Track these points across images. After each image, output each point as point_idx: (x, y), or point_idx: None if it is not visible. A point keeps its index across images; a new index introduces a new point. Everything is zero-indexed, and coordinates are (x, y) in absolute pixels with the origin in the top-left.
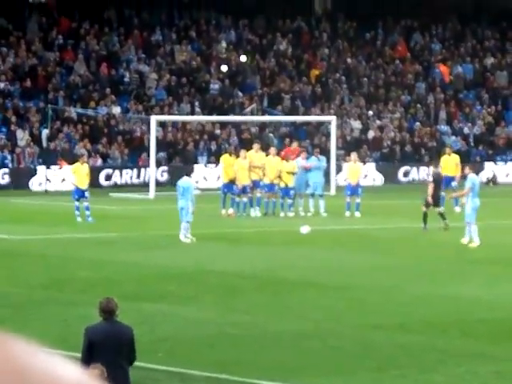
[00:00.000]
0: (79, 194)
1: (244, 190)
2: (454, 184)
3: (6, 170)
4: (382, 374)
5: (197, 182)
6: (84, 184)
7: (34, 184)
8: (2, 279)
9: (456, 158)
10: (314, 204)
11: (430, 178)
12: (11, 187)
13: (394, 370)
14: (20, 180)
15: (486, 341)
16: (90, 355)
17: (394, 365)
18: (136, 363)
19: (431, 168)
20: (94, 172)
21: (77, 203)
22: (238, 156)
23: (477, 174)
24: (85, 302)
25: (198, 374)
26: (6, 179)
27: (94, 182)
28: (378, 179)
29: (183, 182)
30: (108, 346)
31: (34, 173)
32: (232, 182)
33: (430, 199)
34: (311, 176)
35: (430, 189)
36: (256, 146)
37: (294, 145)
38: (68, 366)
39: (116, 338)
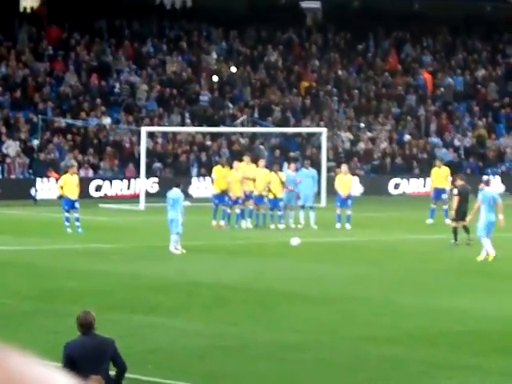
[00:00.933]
0: (69, 204)
1: (236, 202)
2: (444, 196)
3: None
4: None
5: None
6: (74, 195)
7: (25, 194)
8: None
9: (446, 170)
10: (304, 216)
11: (455, 192)
12: (2, 198)
13: (384, 382)
14: (10, 190)
15: (474, 353)
16: (69, 371)
17: (384, 377)
18: (125, 375)
19: (458, 181)
20: (84, 183)
21: (67, 214)
22: (230, 167)
23: (472, 187)
24: (75, 313)
25: None
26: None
27: (84, 193)
28: (361, 191)
29: (173, 193)
30: (89, 360)
31: (24, 183)
32: (224, 193)
33: (453, 213)
34: (301, 188)
35: (455, 202)
36: (247, 158)
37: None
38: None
39: (97, 352)
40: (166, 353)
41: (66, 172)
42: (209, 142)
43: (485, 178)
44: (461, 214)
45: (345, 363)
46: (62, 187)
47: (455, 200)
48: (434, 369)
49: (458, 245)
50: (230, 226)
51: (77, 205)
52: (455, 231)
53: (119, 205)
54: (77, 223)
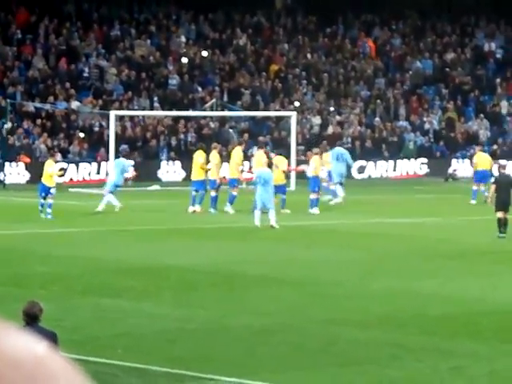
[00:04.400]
0: (46, 190)
1: (214, 185)
2: (488, 179)
3: None
4: (343, 370)
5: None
6: (51, 181)
7: None
8: None
9: (487, 156)
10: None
11: (492, 180)
12: None
13: (355, 365)
14: None
15: (445, 336)
16: None
17: (354, 361)
18: (95, 359)
19: (497, 169)
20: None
21: (42, 200)
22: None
23: (441, 170)
24: (43, 297)
25: (157, 369)
26: None
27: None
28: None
29: (265, 173)
30: None
31: None
32: (204, 178)
33: (489, 201)
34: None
35: (492, 191)
36: (217, 144)
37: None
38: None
39: None
40: (135, 337)
41: (47, 159)
42: (179, 126)
43: (502, 162)
44: (501, 204)
45: (316, 347)
46: (52, 174)
47: (492, 188)
48: (404, 352)
49: (504, 238)
50: (212, 211)
51: (53, 191)
52: (501, 222)
53: (88, 189)
54: (48, 210)
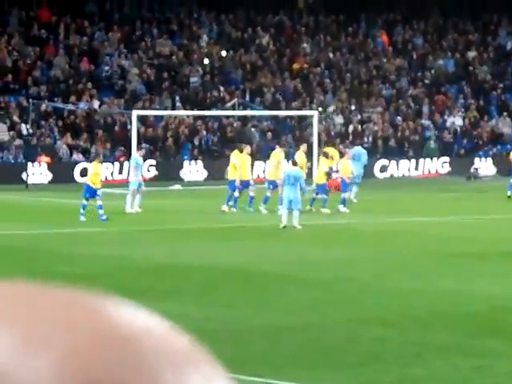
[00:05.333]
0: (91, 192)
1: (246, 185)
2: None
3: None
4: (365, 368)
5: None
6: (97, 183)
7: (16, 179)
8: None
9: None
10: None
11: None
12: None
13: (376, 363)
14: (1, 175)
15: (467, 335)
16: None
17: (376, 359)
18: None
19: None
20: (73, 166)
21: (85, 202)
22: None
23: (463, 169)
24: None
25: None
26: None
27: (73, 178)
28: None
29: (294, 171)
30: None
31: (16, 168)
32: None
33: None
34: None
35: None
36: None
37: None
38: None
39: None
40: None
41: (92, 160)
42: (200, 126)
43: None
44: None
45: (336, 345)
46: (95, 175)
47: None
48: (426, 351)
49: None
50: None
51: (99, 193)
52: None
53: (111, 189)
54: (100, 211)
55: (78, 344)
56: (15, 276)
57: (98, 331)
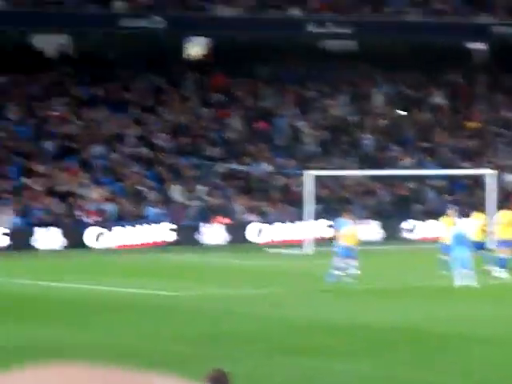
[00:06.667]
0: (347, 252)
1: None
2: None
3: (174, 226)
4: None
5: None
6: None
7: (194, 240)
8: (167, 337)
9: None
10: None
11: None
12: (177, 244)
13: None
14: (182, 236)
15: None
16: None
17: None
18: None
19: None
20: (248, 227)
21: (338, 261)
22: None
23: None
24: (234, 358)
25: None
26: (173, 236)
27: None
28: None
29: (459, 230)
30: None
31: (190, 228)
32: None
33: None
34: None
35: None
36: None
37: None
38: None
39: None
40: None
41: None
42: (375, 185)
43: None
44: None
45: None
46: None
47: None
48: None
49: None
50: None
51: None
52: None
53: (285, 249)
54: (353, 270)
55: None
56: (188, 337)
57: None
